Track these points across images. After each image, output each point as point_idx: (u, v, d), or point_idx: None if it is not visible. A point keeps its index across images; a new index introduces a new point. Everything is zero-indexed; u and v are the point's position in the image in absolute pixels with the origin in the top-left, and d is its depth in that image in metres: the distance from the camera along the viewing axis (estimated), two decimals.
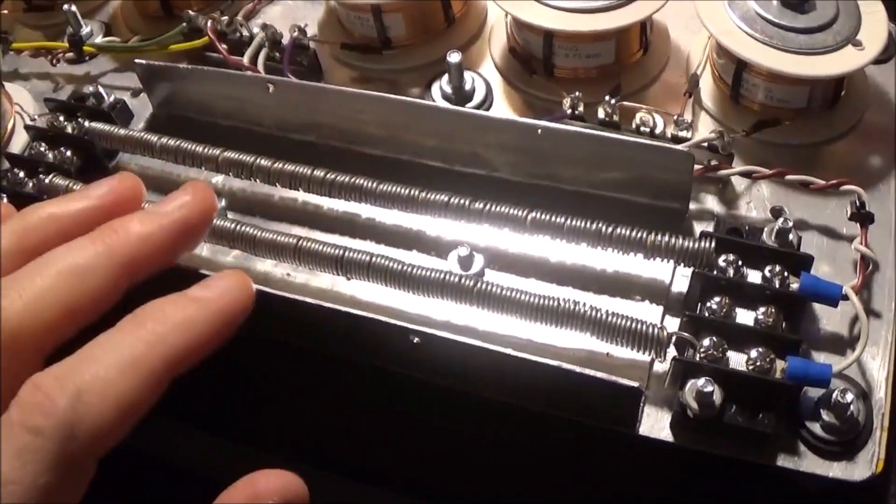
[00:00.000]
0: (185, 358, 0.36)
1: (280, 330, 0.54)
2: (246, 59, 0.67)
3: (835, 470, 0.48)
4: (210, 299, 0.38)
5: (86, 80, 0.73)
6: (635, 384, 0.46)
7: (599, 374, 0.46)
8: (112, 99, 0.68)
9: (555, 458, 0.55)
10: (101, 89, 0.68)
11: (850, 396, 0.48)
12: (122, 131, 0.63)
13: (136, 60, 0.66)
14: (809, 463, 0.48)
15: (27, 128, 0.67)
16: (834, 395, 0.48)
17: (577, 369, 0.46)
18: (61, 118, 0.66)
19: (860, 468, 0.48)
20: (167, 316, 0.36)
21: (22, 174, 0.63)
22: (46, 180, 0.60)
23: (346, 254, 0.53)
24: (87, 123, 0.64)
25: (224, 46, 0.68)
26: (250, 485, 0.35)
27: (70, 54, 0.75)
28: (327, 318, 0.51)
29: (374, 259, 0.53)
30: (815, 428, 0.49)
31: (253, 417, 0.59)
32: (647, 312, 0.53)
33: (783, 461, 0.48)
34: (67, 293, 0.36)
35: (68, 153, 0.64)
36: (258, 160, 0.59)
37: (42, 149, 0.64)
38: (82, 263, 0.37)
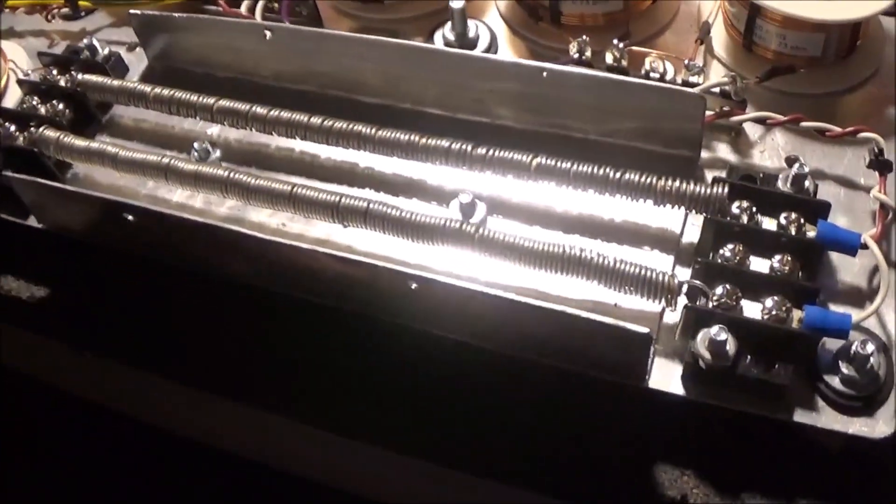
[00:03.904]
0: None
1: (274, 280, 0.53)
2: (243, 9, 0.65)
3: (854, 426, 0.46)
4: None
5: (81, 36, 0.71)
6: (645, 330, 0.44)
7: (607, 320, 0.44)
8: (107, 52, 0.66)
9: (560, 413, 0.53)
10: (95, 42, 0.66)
11: (870, 348, 0.46)
12: (116, 83, 0.62)
13: (131, 11, 0.64)
14: (827, 418, 0.46)
15: (20, 82, 0.65)
16: (854, 347, 0.46)
17: (584, 314, 0.45)
18: (55, 72, 0.65)
19: (881, 425, 0.46)
20: None
21: (13, 128, 0.61)
22: (37, 133, 0.59)
23: (343, 200, 0.51)
24: (80, 76, 0.63)
25: None
26: None
27: (65, 10, 0.73)
28: (324, 265, 0.50)
29: (371, 205, 0.51)
30: (834, 381, 0.47)
31: (242, 369, 0.58)
32: (658, 262, 0.51)
33: (800, 416, 0.47)
34: None
35: (60, 106, 0.63)
36: (254, 108, 0.57)
37: (34, 103, 0.63)
38: None
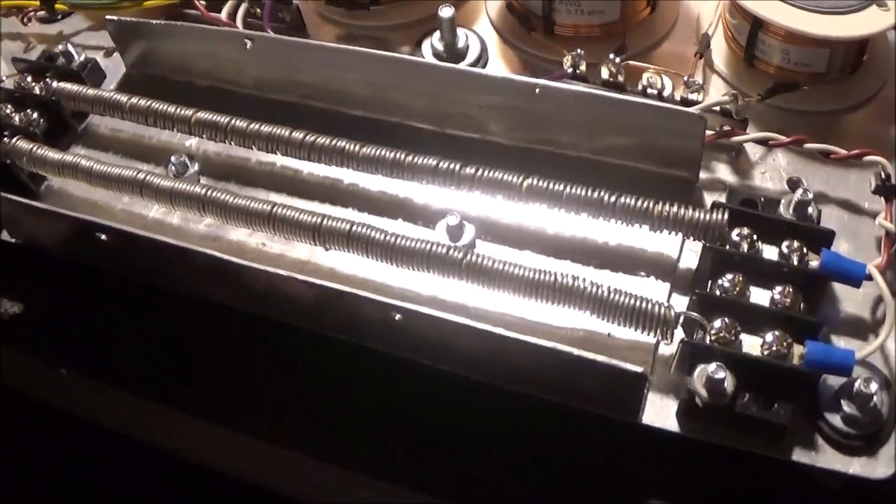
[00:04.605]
0: None
1: (251, 303, 0.51)
2: (224, 15, 0.63)
3: (855, 466, 0.44)
4: None
5: (58, 40, 0.70)
6: (639, 369, 0.42)
7: (599, 358, 0.43)
8: (83, 58, 0.64)
9: (549, 447, 0.51)
10: (71, 48, 0.64)
11: (873, 386, 0.44)
12: (91, 91, 0.60)
13: (108, 17, 0.62)
14: (827, 458, 0.45)
15: None
16: (856, 385, 0.45)
17: (575, 352, 0.43)
18: (29, 79, 0.63)
19: (882, 465, 0.44)
20: None
21: None
22: (10, 144, 0.57)
23: (325, 222, 0.49)
24: (55, 84, 0.61)
25: (202, 2, 0.64)
26: None
27: (42, 12, 0.71)
28: (302, 292, 0.48)
29: (354, 228, 0.49)
30: (835, 420, 0.45)
31: (220, 389, 0.56)
32: (653, 290, 0.50)
33: (799, 455, 0.45)
34: None
35: (35, 115, 0.60)
36: (233, 121, 0.55)
37: (8, 111, 0.61)
38: None
